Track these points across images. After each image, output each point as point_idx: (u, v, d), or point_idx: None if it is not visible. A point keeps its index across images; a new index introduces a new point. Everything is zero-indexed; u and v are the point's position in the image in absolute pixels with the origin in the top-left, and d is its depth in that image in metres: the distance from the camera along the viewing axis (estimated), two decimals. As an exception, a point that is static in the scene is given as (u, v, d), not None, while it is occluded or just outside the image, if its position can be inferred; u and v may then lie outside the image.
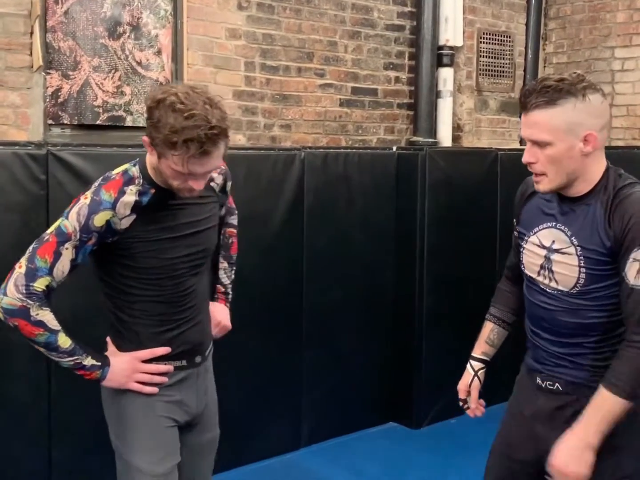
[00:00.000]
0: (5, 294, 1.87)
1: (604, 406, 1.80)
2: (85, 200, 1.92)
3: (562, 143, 1.80)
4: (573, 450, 1.80)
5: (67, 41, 3.36)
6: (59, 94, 3.36)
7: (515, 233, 2.11)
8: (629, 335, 1.80)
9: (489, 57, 5.12)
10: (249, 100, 4.03)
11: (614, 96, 5.11)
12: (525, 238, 2.01)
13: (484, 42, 5.08)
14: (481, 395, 4.36)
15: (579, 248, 1.85)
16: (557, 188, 1.88)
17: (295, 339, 4.02)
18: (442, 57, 4.70)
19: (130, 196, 1.92)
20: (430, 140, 4.63)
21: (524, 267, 2.02)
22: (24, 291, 1.86)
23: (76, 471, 3.33)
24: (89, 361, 1.95)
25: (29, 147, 3.17)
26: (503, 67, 5.21)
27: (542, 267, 1.93)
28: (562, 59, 5.43)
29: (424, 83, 4.61)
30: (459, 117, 4.93)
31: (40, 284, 1.87)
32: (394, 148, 4.48)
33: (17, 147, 3.12)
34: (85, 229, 1.88)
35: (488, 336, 2.23)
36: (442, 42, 4.70)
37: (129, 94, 3.54)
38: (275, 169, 3.86)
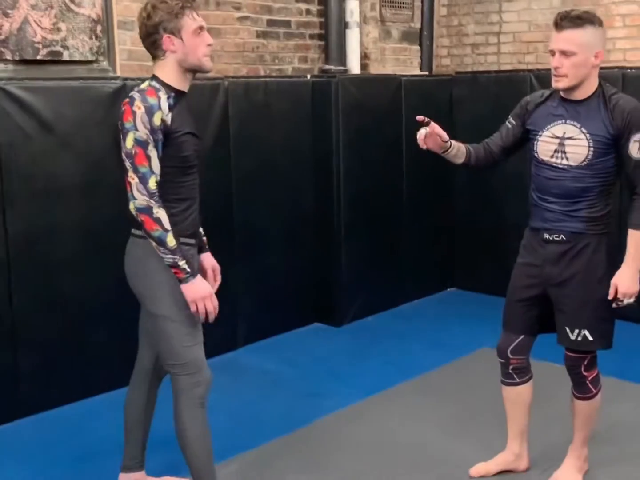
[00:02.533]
0: (135, 198, 2.41)
1: (638, 241, 2.64)
2: (139, 110, 2.39)
3: (582, 55, 2.60)
4: (629, 276, 2.65)
5: (4, -20, 3.58)
6: (0, 31, 3.59)
7: (509, 124, 2.88)
8: (638, 192, 2.64)
9: (390, -11, 5.55)
10: (174, 34, 4.32)
11: (502, 24, 5.65)
12: (540, 133, 2.76)
13: (385, -25, 5.49)
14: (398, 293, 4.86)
15: (588, 135, 2.64)
16: (570, 87, 2.64)
17: (229, 253, 4.44)
18: (348, -11, 5.10)
19: (164, 99, 2.44)
20: (341, 68, 5.05)
21: (537, 154, 2.76)
22: (145, 193, 2.40)
23: (42, 377, 3.70)
24: (182, 264, 2.44)
25: (-23, 82, 3.43)
26: (403, -2, 5.65)
27: (555, 151, 2.70)
28: (455, -10, 5.91)
29: (333, 15, 5.00)
30: (366, 46, 5.37)
31: (152, 183, 2.41)
32: (308, 76, 4.90)
33: (-35, 82, 3.38)
34: (151, 130, 2.40)
35: (459, 144, 2.89)
36: (348, -25, 5.09)
37: (65, 30, 3.79)
38: (201, 98, 4.19)
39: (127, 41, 4.10)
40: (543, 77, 5.02)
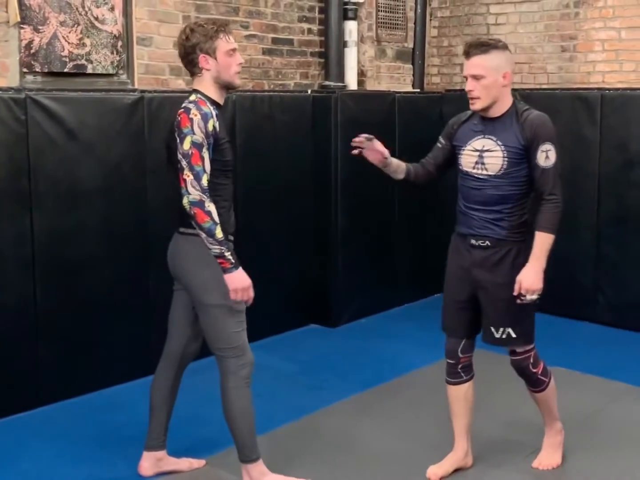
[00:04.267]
0: (189, 193, 2.70)
1: (543, 243, 2.88)
2: (196, 117, 2.71)
3: (491, 77, 2.88)
4: (533, 274, 2.87)
5: (36, -1, 3.87)
6: (31, 45, 3.88)
7: (439, 144, 3.15)
8: (545, 197, 2.90)
9: (386, 11, 5.89)
10: (187, 50, 4.63)
11: (490, 46, 6.00)
12: (463, 148, 3.03)
13: (381, -2, 5.84)
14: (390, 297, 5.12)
15: (503, 147, 2.92)
16: (485, 107, 2.93)
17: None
18: (347, 11, 5.41)
19: (212, 109, 2.79)
20: (340, 84, 5.37)
21: (462, 166, 3.03)
22: (199, 188, 2.70)
23: (62, 369, 3.94)
24: (228, 255, 2.74)
25: (10, 92, 3.69)
26: (397, 20, 6.00)
27: (476, 162, 2.98)
28: (445, 13, 6.26)
29: (333, 34, 5.33)
30: (362, 64, 5.71)
31: (205, 181, 2.72)
32: (309, 91, 5.22)
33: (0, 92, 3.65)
34: (206, 135, 2.73)
35: (399, 162, 3.16)
36: (347, -2, 5.43)
37: (89, 45, 4.09)
38: (211, 110, 4.50)
39: (145, 56, 4.40)
40: (527, 96, 5.37)
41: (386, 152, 3.08)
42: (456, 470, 3.19)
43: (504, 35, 5.89)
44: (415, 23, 6.09)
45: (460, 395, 3.17)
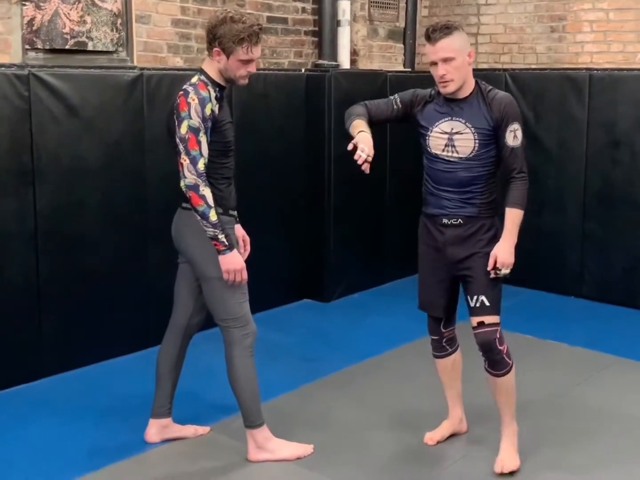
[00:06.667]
0: (185, 177, 2.80)
1: (515, 218, 2.95)
2: (194, 101, 2.76)
3: (460, 57, 2.88)
4: (508, 249, 2.95)
5: (37, -24, 3.90)
6: (33, 22, 3.92)
7: (395, 106, 3.05)
8: (514, 175, 2.95)
9: (378, -10, 5.97)
10: (184, 28, 4.68)
11: (480, 26, 6.10)
12: (430, 129, 3.01)
13: (374, -23, 5.89)
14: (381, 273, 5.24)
15: (473, 129, 2.94)
16: (457, 89, 2.92)
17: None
18: (340, -10, 5.48)
19: (212, 92, 2.85)
20: (333, 63, 5.44)
21: (430, 148, 3.02)
22: (194, 173, 2.78)
23: (64, 342, 4.04)
24: (222, 237, 2.82)
25: (13, 68, 3.74)
26: (389, -1, 6.08)
27: (446, 145, 2.98)
28: (436, -7, 6.35)
29: (327, 13, 5.40)
30: (355, 43, 5.77)
31: (201, 165, 2.79)
32: (303, 70, 5.29)
33: (3, 68, 3.69)
34: (203, 119, 2.76)
35: (366, 124, 2.99)
36: (340, -23, 5.47)
37: (90, 23, 4.13)
38: (208, 87, 4.56)
39: (144, 34, 4.45)
40: (517, 76, 5.50)
41: (370, 144, 2.86)
42: (452, 436, 3.33)
43: (494, 16, 6.00)
44: (406, 3, 6.16)
45: (448, 366, 3.28)
